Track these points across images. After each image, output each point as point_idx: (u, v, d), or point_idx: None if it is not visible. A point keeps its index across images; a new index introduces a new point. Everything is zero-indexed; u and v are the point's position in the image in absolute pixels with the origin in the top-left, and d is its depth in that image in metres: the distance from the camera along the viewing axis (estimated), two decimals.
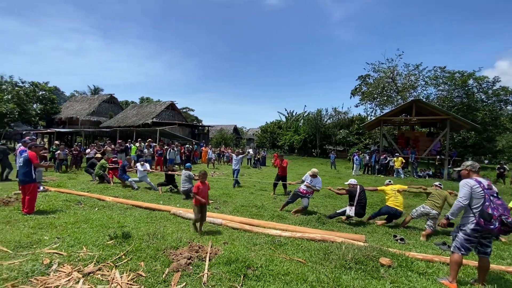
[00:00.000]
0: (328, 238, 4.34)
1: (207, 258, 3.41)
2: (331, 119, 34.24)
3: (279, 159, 8.28)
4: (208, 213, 5.61)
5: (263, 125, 42.66)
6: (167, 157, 13.96)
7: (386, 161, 14.94)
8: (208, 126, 30.45)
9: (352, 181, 5.68)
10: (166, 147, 14.65)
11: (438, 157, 14.57)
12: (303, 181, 6.16)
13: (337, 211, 5.69)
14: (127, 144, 14.63)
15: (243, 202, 7.04)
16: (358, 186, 5.56)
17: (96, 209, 5.97)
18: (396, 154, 14.89)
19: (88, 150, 13.76)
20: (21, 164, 5.30)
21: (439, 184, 5.54)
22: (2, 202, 5.67)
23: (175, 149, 14.69)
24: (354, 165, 15.83)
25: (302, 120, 38.41)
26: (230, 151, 18.64)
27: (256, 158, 17.96)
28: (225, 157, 18.40)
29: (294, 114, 42.70)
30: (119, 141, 14.60)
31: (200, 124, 44.42)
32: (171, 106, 28.24)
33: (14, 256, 3.52)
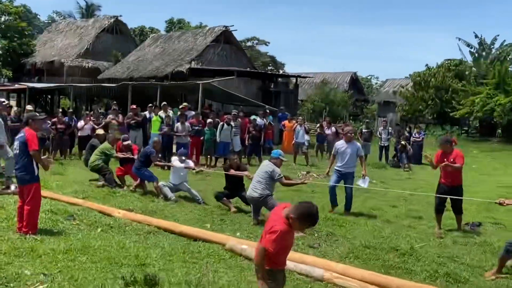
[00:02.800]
0: None
1: None
2: None
3: (446, 149, 8.35)
4: (297, 255, 5.83)
5: (416, 73, 41.07)
6: (218, 139, 15.18)
7: None
8: (297, 76, 31.02)
9: None
10: (209, 119, 15.93)
11: None
12: None
13: None
14: (146, 113, 16.50)
15: (369, 239, 7.28)
16: None
17: (99, 230, 7.00)
18: None
19: (81, 123, 16.13)
20: (17, 151, 6.46)
21: None
22: None
23: (232, 123, 15.72)
24: None
25: None
26: (338, 127, 19.08)
27: (400, 146, 17.90)
28: (326, 143, 18.76)
29: (493, 45, 40.04)
30: (133, 106, 16.54)
31: (281, 72, 45.56)
32: (224, 37, 29.89)
33: None
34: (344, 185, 9.53)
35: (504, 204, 6.50)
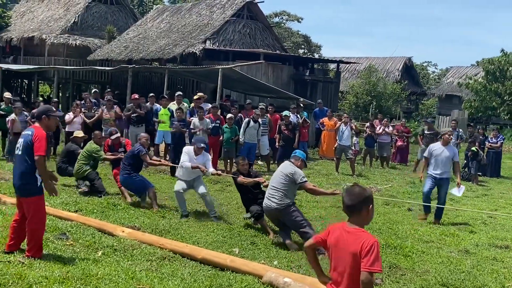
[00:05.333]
0: None
1: None
2: None
3: None
4: None
5: (487, 60, 40.59)
6: (241, 139, 15.21)
7: None
8: (339, 62, 30.80)
9: None
10: (230, 114, 15.93)
11: None
12: None
13: None
14: (148, 103, 16.60)
15: (445, 275, 7.20)
16: None
17: (100, 253, 6.95)
18: None
19: (69, 116, 16.17)
20: (20, 153, 6.44)
21: None
22: None
23: (259, 120, 15.71)
24: None
25: None
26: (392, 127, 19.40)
27: (469, 153, 17.74)
28: (378, 147, 18.88)
29: None
30: (135, 96, 16.58)
31: (317, 56, 45.01)
32: (248, 11, 29.86)
33: None
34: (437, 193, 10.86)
35: None
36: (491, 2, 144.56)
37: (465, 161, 18.09)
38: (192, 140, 11.21)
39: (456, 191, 10.96)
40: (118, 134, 11.78)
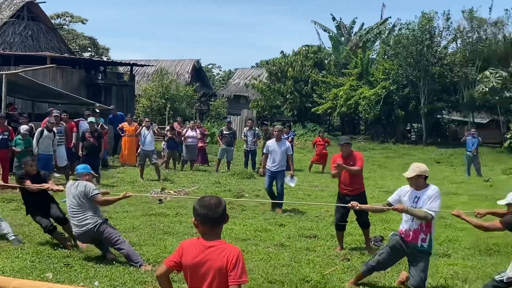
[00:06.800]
0: None
1: None
2: (458, 41, 35.56)
3: (347, 152, 8.95)
4: None
5: (266, 61, 43.39)
6: (35, 150, 13.94)
7: None
8: (133, 64, 30.31)
9: None
10: (25, 126, 14.68)
11: None
12: (390, 204, 6.84)
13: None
14: None
15: (269, 271, 7.32)
16: None
17: None
18: None
19: None
20: None
21: None
22: None
23: (55, 129, 14.72)
24: None
25: (380, 47, 40.12)
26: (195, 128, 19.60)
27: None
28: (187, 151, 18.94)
29: (353, 29, 43.81)
30: None
31: (106, 58, 43.61)
32: (28, 11, 28.31)
33: None
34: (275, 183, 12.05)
35: (462, 216, 6.47)
36: (269, 7, 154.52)
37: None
38: None
39: (289, 181, 12.12)
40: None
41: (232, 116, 36.07)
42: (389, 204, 6.69)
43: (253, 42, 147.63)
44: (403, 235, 6.47)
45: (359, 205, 7.37)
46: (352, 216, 8.97)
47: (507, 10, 33.63)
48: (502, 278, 5.87)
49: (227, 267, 3.40)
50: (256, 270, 7.32)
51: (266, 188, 12.16)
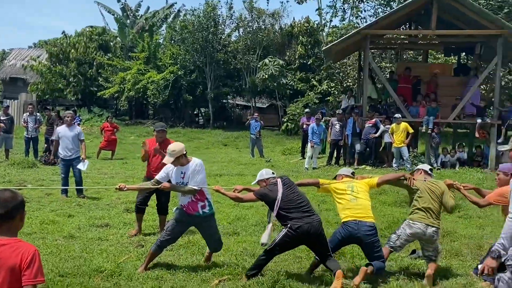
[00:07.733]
0: None
1: None
2: (240, 29, 37.50)
3: (159, 137, 9.06)
4: None
5: (46, 41, 41.08)
6: None
7: (376, 133, 17.54)
8: None
9: (264, 173, 7.07)
10: None
11: (479, 120, 17.75)
12: (158, 182, 7.29)
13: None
14: None
15: (59, 264, 7.08)
16: (279, 180, 6.84)
17: None
18: (397, 116, 17.41)
19: None
20: None
21: (428, 169, 7.34)
22: None
23: None
24: (310, 145, 18.19)
25: (166, 32, 40.26)
26: None
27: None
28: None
29: (139, 12, 43.33)
30: None
31: None
32: None
33: None
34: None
35: (222, 191, 7.14)
36: None
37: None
38: None
39: (81, 166, 11.80)
40: None
41: (8, 101, 33.21)
42: (158, 182, 7.06)
43: (28, 21, 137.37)
44: (184, 209, 6.98)
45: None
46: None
47: (282, 2, 36.37)
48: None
49: (21, 266, 3.16)
50: (45, 265, 6.83)
51: (62, 176, 11.98)
